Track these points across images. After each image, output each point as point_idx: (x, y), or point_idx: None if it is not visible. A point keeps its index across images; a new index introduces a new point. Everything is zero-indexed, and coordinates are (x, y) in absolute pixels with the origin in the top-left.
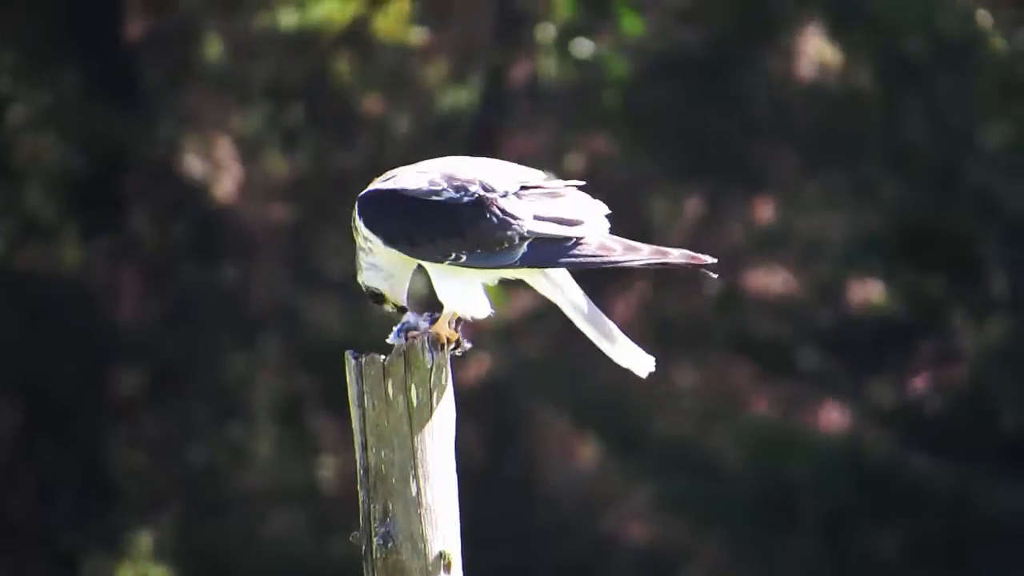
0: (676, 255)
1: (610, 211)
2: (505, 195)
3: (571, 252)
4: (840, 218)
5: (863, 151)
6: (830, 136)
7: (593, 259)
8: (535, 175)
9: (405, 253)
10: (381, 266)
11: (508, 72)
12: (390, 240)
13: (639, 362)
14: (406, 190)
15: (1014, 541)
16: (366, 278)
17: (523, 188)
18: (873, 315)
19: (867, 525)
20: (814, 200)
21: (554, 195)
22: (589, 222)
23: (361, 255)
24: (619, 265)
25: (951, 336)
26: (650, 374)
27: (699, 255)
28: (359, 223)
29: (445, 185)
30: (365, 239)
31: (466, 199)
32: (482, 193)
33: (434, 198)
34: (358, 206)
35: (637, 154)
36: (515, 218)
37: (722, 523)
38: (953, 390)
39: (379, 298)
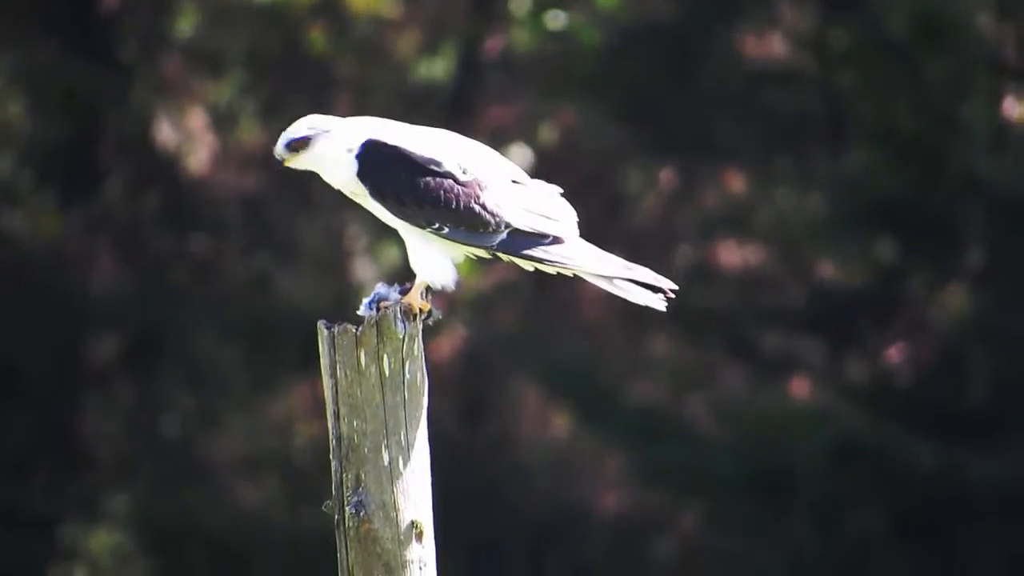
0: (641, 273)
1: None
2: (498, 184)
3: (545, 248)
4: (811, 193)
5: (838, 127)
6: (801, 111)
7: (563, 260)
8: (520, 173)
9: (389, 210)
10: (334, 161)
11: (482, 43)
12: (378, 193)
13: (651, 299)
14: (410, 151)
15: (990, 512)
16: (321, 139)
17: (513, 183)
18: (844, 288)
19: (843, 497)
20: (785, 175)
21: (538, 193)
22: (565, 223)
23: (331, 136)
24: (585, 271)
25: (921, 308)
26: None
27: (662, 279)
28: (354, 166)
29: (448, 158)
30: (348, 151)
31: (464, 177)
32: (480, 176)
33: (434, 167)
34: (359, 151)
35: (610, 125)
36: (504, 207)
37: (697, 493)
38: (925, 362)
39: (301, 146)
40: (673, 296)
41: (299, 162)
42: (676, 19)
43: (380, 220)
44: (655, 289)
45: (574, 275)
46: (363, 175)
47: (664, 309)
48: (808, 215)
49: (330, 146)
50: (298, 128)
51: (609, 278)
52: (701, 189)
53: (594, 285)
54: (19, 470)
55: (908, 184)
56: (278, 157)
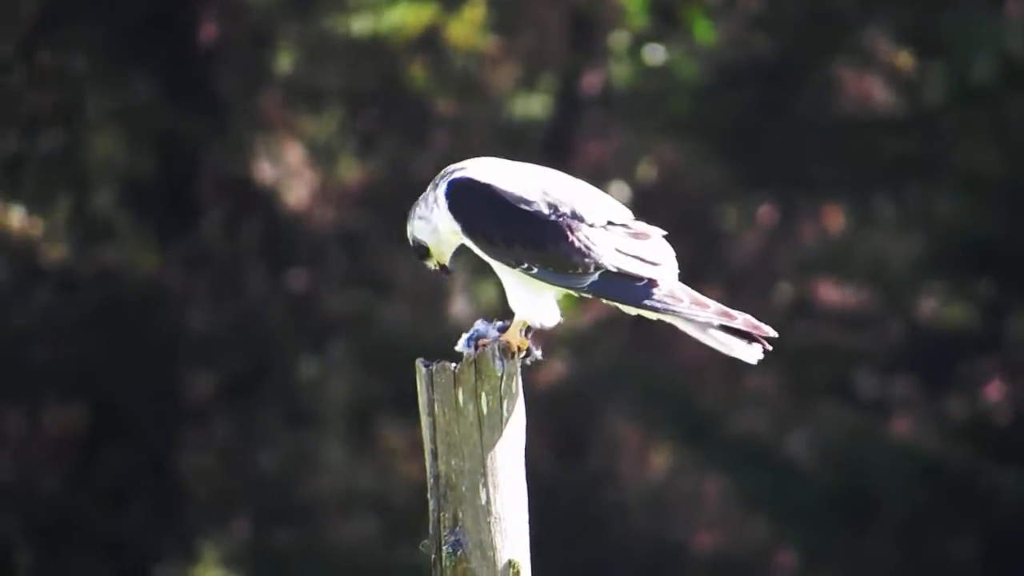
0: (740, 320)
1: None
2: (592, 225)
3: (639, 292)
4: (909, 232)
5: (933, 169)
6: (897, 152)
7: (657, 304)
8: (623, 213)
9: (480, 248)
10: (435, 226)
11: (580, 79)
12: (470, 231)
13: (746, 351)
14: (501, 189)
15: None
16: (415, 228)
17: (609, 223)
18: (942, 327)
19: (941, 531)
20: (883, 213)
21: (638, 235)
22: (664, 266)
23: (420, 207)
24: (681, 315)
25: (1020, 346)
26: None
27: (761, 325)
28: (442, 203)
29: (539, 197)
30: (434, 200)
31: (554, 217)
32: (571, 216)
33: (523, 206)
34: (448, 188)
35: (708, 161)
36: (595, 248)
37: (796, 524)
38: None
39: (423, 252)
40: (770, 347)
41: (439, 256)
42: (774, 54)
43: (479, 258)
44: (751, 337)
45: (670, 323)
46: (454, 210)
47: (756, 363)
48: (906, 254)
49: (427, 223)
50: (410, 242)
51: (704, 327)
52: (799, 226)
53: (688, 332)
54: (118, 506)
55: (1001, 225)
56: (436, 268)
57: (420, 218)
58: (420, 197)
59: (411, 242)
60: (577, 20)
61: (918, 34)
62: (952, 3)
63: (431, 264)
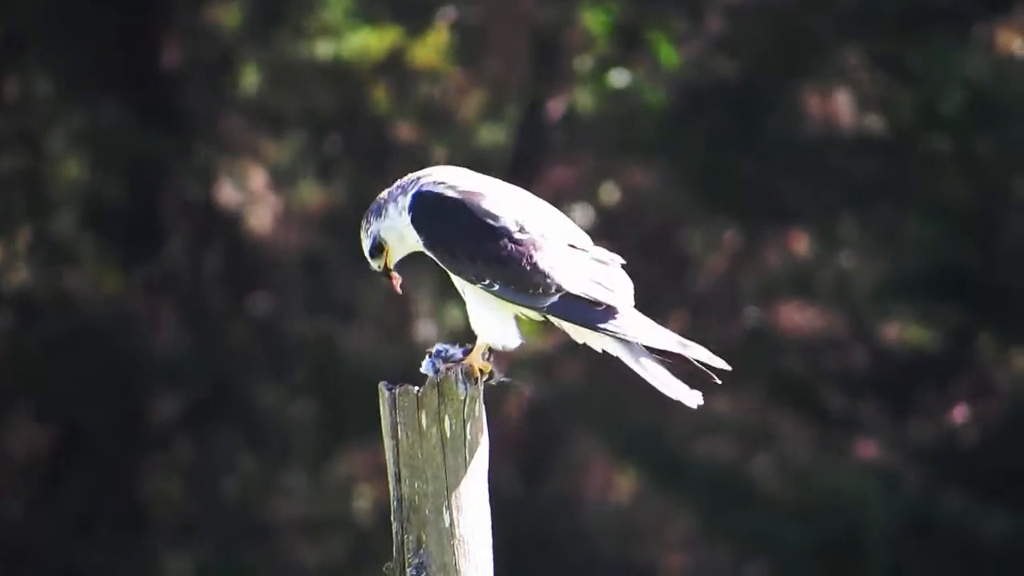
0: (694, 351)
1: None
2: (555, 246)
3: (596, 316)
4: (873, 256)
5: (900, 193)
6: (865, 176)
7: (613, 329)
8: (583, 238)
9: (441, 262)
10: (400, 233)
11: (544, 103)
12: (431, 245)
13: (686, 395)
14: (466, 202)
15: None
16: (382, 228)
17: (571, 247)
18: (907, 351)
19: (910, 565)
20: (848, 238)
21: (598, 261)
22: (621, 295)
23: (389, 208)
24: (636, 341)
25: (986, 370)
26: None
27: (714, 357)
28: (405, 214)
29: (503, 213)
30: (399, 209)
31: (518, 235)
32: (535, 236)
33: (488, 220)
34: (412, 200)
35: (673, 185)
36: (557, 269)
37: (762, 555)
38: (991, 424)
39: (378, 251)
40: (719, 382)
41: (392, 257)
42: (738, 78)
43: (443, 280)
44: (705, 371)
45: (616, 357)
46: (416, 224)
47: (695, 407)
48: (872, 278)
49: (391, 223)
50: (365, 240)
51: (644, 365)
52: (765, 250)
53: (634, 369)
54: (80, 529)
55: (968, 252)
56: (377, 269)
57: (388, 217)
58: (387, 196)
59: (370, 239)
60: (541, 45)
61: (885, 60)
62: (919, 32)
63: (377, 265)
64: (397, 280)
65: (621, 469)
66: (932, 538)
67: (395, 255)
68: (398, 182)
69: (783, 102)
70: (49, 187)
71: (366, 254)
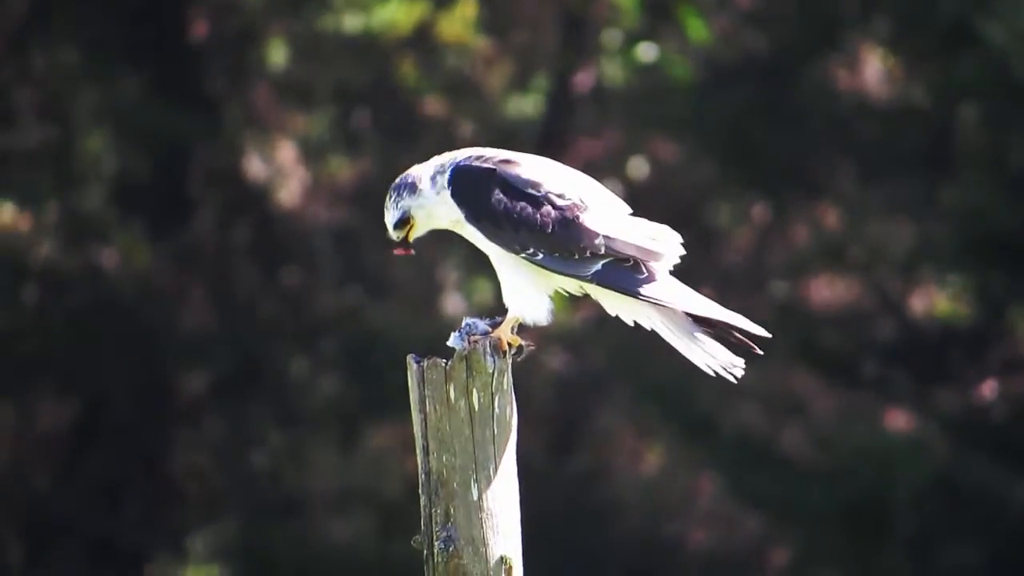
0: (734, 319)
1: (683, 241)
2: (597, 210)
3: (640, 283)
4: (905, 226)
5: (932, 162)
6: (892, 145)
7: (656, 297)
8: (622, 206)
9: (485, 234)
10: (430, 211)
11: (573, 77)
12: (475, 217)
13: (730, 364)
14: (505, 173)
15: None
16: (413, 204)
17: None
18: (937, 325)
19: (938, 531)
20: (878, 208)
21: (639, 225)
22: (666, 255)
23: (422, 185)
24: (677, 309)
25: (1017, 345)
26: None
27: (754, 326)
28: (444, 191)
29: (543, 181)
30: (437, 186)
31: (560, 202)
32: (577, 201)
33: (531, 190)
34: (452, 175)
35: (701, 159)
36: (600, 234)
37: (792, 521)
38: (1020, 397)
39: (403, 224)
40: (761, 352)
41: (415, 232)
42: (767, 51)
43: (472, 253)
44: (745, 341)
45: (651, 329)
46: (458, 198)
47: (736, 380)
48: (904, 249)
49: (423, 200)
50: (392, 211)
51: (687, 334)
52: (793, 224)
53: (672, 343)
54: (110, 504)
55: (1014, 216)
56: (396, 240)
57: (422, 195)
58: (421, 173)
59: (399, 212)
60: (569, 18)
61: (918, 24)
62: None
63: (397, 236)
64: (410, 253)
65: (649, 441)
66: (958, 503)
67: (418, 231)
68: (432, 160)
69: (812, 75)
70: (76, 161)
71: (390, 225)
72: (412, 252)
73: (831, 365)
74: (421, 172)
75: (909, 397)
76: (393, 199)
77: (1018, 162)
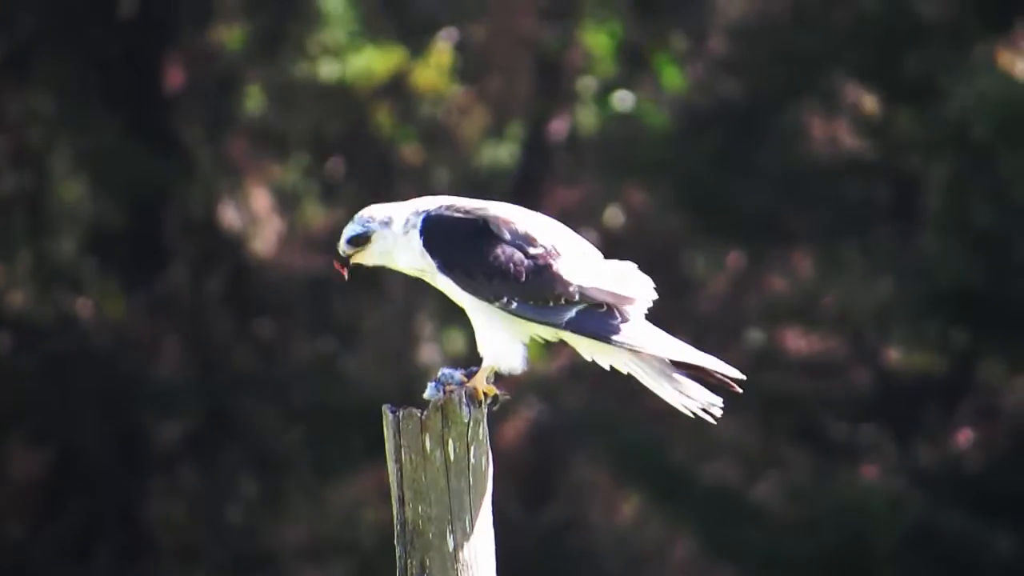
0: (709, 362)
1: (656, 286)
2: (570, 257)
3: (614, 329)
4: (878, 279)
5: (904, 214)
6: (868, 196)
7: (630, 342)
8: (593, 251)
9: (458, 283)
10: (391, 251)
11: (548, 125)
12: (447, 267)
13: (708, 403)
14: (476, 222)
15: None
16: (379, 233)
17: (583, 255)
18: (910, 374)
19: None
20: (851, 259)
21: (612, 269)
22: (640, 300)
23: (395, 223)
24: (652, 353)
25: (991, 394)
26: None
27: (730, 368)
28: (416, 241)
29: (515, 229)
30: (404, 234)
31: (533, 249)
32: (550, 247)
33: (503, 238)
34: (423, 224)
35: (676, 207)
36: (574, 280)
37: (765, 571)
38: (995, 448)
39: (359, 243)
40: (740, 390)
41: (364, 257)
42: (742, 99)
43: (447, 303)
44: (723, 380)
45: (627, 372)
46: (430, 248)
47: (715, 421)
48: (876, 301)
49: (389, 233)
50: (355, 225)
51: (665, 377)
52: (768, 273)
53: (649, 385)
54: (84, 554)
55: (980, 272)
56: (343, 254)
57: (391, 232)
58: (395, 210)
59: (362, 230)
60: (544, 66)
61: (886, 77)
62: (922, 45)
63: (346, 251)
64: (343, 275)
65: (624, 492)
66: (936, 555)
67: (367, 258)
68: (411, 202)
69: (786, 124)
70: (51, 209)
71: (345, 237)
72: (346, 277)
73: (806, 416)
74: (397, 211)
75: (883, 449)
76: (362, 218)
77: (982, 219)
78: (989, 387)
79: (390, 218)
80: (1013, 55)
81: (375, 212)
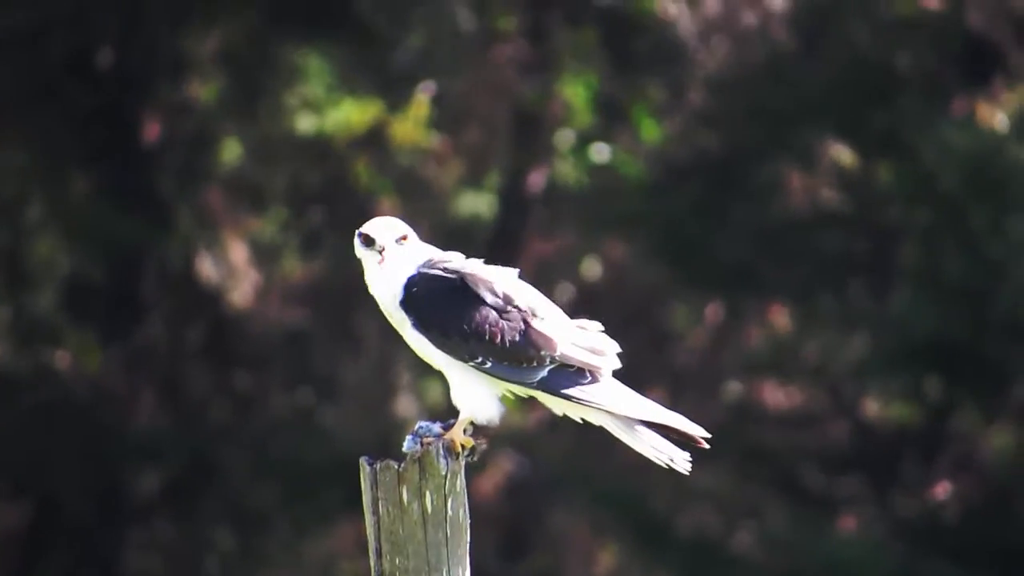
0: (675, 420)
1: (620, 350)
2: (543, 318)
3: (583, 388)
4: (854, 332)
5: (880, 268)
6: (845, 250)
7: (598, 402)
8: (561, 313)
9: (434, 343)
10: (376, 280)
11: (525, 176)
12: (423, 326)
13: (676, 458)
14: (453, 284)
15: None
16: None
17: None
18: (887, 426)
19: None
20: (829, 313)
21: (582, 330)
22: (608, 362)
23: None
24: (620, 414)
25: (967, 445)
26: (675, 471)
27: (695, 427)
28: (399, 294)
29: (491, 290)
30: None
31: (508, 311)
32: (525, 309)
33: (478, 299)
34: (405, 281)
35: (655, 260)
36: (549, 341)
37: None
38: (972, 499)
39: (367, 244)
40: (707, 446)
41: (388, 253)
42: (719, 152)
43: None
44: (687, 442)
45: (599, 425)
46: (407, 306)
47: (687, 472)
48: (853, 353)
49: (401, 260)
50: (372, 230)
51: (634, 430)
52: (746, 325)
53: (621, 438)
54: None
55: (954, 325)
56: (380, 236)
57: (387, 265)
58: (403, 254)
59: (370, 239)
60: (522, 117)
61: (861, 132)
62: (894, 101)
63: (363, 241)
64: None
65: (602, 542)
66: None
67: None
68: (418, 252)
69: (764, 177)
70: (27, 263)
71: (360, 236)
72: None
73: (784, 467)
74: (402, 256)
75: (862, 502)
76: (379, 230)
77: (954, 272)
78: (965, 437)
79: (395, 256)
80: (992, 107)
81: (393, 245)
